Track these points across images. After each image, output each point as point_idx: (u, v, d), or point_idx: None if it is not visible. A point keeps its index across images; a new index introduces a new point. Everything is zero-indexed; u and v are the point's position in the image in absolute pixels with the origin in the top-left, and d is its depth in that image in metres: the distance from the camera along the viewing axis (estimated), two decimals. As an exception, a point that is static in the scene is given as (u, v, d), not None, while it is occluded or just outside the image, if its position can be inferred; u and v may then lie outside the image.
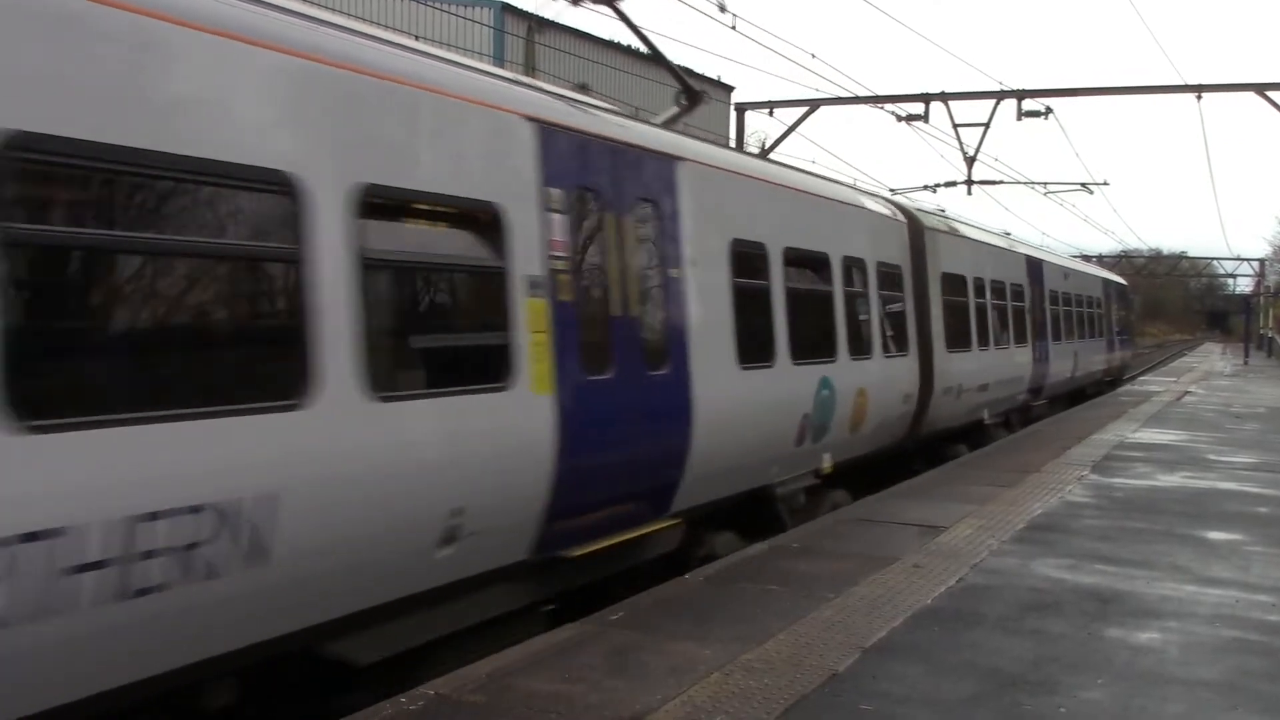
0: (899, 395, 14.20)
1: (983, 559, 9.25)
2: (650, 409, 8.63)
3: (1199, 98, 23.04)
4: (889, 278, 14.18)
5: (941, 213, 19.68)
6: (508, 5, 30.62)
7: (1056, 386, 25.23)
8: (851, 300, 12.69)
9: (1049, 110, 24.73)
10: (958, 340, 16.88)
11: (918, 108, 25.01)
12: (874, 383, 13.07)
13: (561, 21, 32.50)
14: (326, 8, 7.35)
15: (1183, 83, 23.48)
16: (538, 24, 27.39)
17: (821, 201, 12.53)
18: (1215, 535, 10.62)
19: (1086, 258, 43.73)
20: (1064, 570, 8.96)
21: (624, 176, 8.47)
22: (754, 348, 10.28)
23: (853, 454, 12.84)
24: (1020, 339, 21.22)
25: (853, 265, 12.87)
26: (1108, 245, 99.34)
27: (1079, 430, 19.67)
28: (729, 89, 44.07)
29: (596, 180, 8.15)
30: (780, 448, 10.82)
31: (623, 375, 8.24)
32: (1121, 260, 77.09)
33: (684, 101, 11.19)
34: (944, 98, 24.76)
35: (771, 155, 21.05)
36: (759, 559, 9.27)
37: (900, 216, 15.45)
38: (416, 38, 10.74)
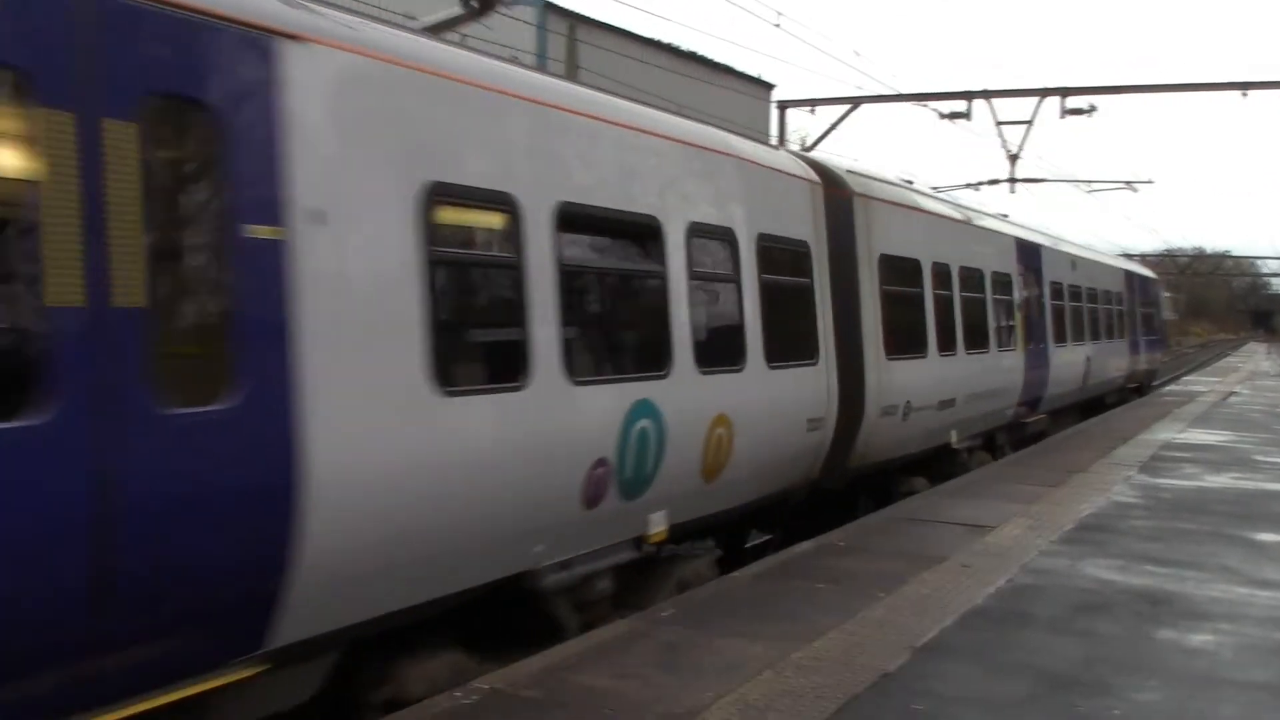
0: (797, 421, 10.27)
1: (1032, 559, 9.22)
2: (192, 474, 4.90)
3: (1244, 95, 22.79)
4: (784, 257, 10.32)
5: (908, 183, 15.99)
6: (550, 3, 30.74)
7: (1061, 398, 21.13)
8: (703, 288, 8.94)
9: (1093, 108, 24.57)
10: (906, 344, 13.08)
11: (960, 105, 24.89)
12: (746, 405, 9.22)
13: (604, 20, 32.63)
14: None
15: (1228, 80, 23.24)
16: (579, 22, 27.48)
17: (646, 140, 8.36)
18: (1265, 537, 10.53)
19: (1129, 256, 42.87)
20: (1114, 571, 8.92)
21: None
22: (475, 359, 6.93)
23: (720, 507, 9.30)
24: (1007, 341, 17.30)
25: (707, 237, 8.99)
26: (1152, 244, 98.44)
27: (1125, 430, 19.53)
28: (770, 86, 44.02)
29: None
30: (548, 513, 7.11)
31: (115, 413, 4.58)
32: (1164, 259, 76.31)
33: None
34: (987, 95, 24.66)
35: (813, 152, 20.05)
36: (807, 557, 9.29)
37: (811, 175, 11.28)
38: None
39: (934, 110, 25.47)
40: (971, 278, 15.73)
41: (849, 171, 12.66)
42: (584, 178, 7.56)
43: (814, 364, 10.64)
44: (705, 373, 8.69)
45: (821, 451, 10.96)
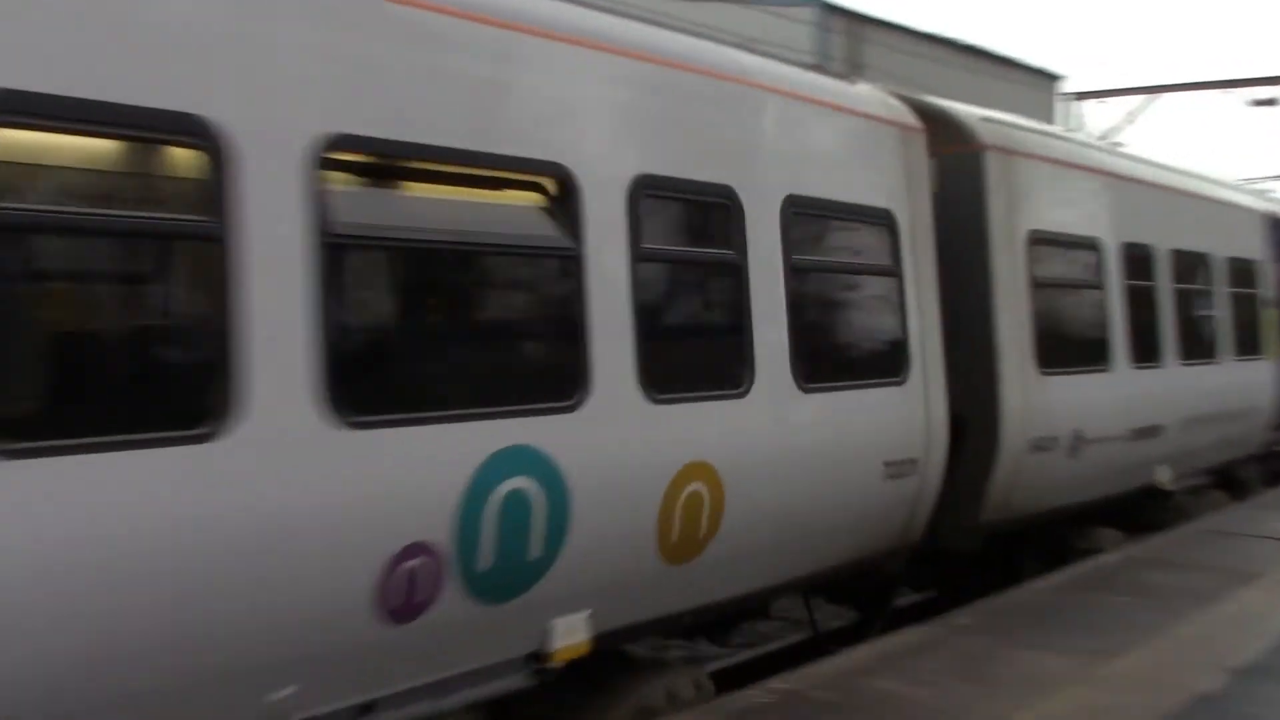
0: (862, 465, 7.33)
1: (1361, 577, 8.55)
2: None
3: None
4: (842, 231, 7.68)
5: (1068, 133, 12.44)
6: (828, 4, 30.63)
7: None
8: (659, 274, 6.17)
9: None
10: (1074, 353, 9.73)
11: (1273, 91, 23.24)
12: (747, 447, 6.41)
13: (887, 19, 32.24)
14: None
15: None
16: (861, 22, 27.22)
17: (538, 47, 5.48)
18: None
19: None
20: None
21: None
22: (142, 401, 4.20)
23: (710, 598, 6.49)
24: (1250, 346, 13.31)
25: (666, 197, 6.13)
26: None
27: None
28: (1056, 78, 42.22)
29: None
30: (296, 636, 4.43)
31: None
32: None
33: None
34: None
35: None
36: (1110, 569, 8.94)
37: (901, 118, 8.15)
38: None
39: (1242, 98, 23.88)
40: (1191, 264, 11.93)
41: (983, 119, 9.32)
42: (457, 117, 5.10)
43: (898, 383, 7.63)
44: (660, 400, 5.83)
45: (922, 503, 7.93)
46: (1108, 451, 9.88)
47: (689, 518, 6.00)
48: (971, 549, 8.86)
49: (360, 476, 4.56)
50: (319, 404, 4.39)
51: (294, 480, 4.36)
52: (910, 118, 8.21)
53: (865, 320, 7.88)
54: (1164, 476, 10.98)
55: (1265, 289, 13.93)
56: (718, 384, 6.34)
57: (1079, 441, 9.40)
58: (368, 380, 4.76)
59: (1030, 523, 9.37)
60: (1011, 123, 9.86)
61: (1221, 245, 12.80)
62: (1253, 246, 13.81)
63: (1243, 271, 13.32)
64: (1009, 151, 9.15)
